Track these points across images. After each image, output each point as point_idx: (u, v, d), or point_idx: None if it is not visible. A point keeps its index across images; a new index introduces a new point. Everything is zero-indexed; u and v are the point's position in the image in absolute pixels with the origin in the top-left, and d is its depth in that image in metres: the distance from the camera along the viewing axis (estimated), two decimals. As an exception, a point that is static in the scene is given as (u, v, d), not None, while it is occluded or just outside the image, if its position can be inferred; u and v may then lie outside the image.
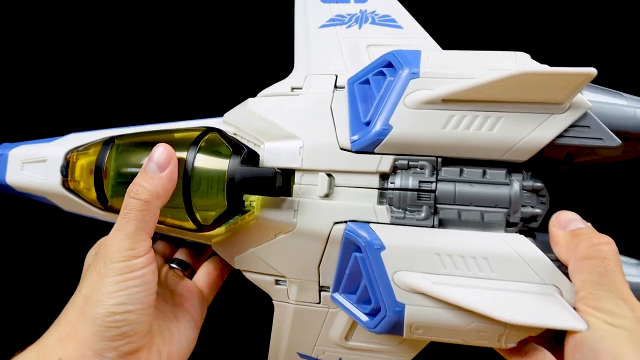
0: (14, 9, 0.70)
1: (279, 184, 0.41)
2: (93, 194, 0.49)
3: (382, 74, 0.42)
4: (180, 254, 0.52)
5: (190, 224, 0.44)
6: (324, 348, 0.47)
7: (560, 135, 0.38)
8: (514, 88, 0.37)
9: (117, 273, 0.38)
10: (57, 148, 0.51)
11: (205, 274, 0.51)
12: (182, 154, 0.43)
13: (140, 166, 0.45)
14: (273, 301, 0.47)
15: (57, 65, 0.69)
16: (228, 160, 0.42)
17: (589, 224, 0.38)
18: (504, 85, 0.37)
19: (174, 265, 0.51)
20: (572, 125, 0.38)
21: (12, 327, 0.67)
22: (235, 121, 0.47)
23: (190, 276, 0.51)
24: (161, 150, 0.41)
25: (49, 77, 0.70)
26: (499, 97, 0.38)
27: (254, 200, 0.45)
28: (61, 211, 0.53)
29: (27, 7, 0.70)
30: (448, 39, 0.48)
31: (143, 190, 0.40)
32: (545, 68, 0.37)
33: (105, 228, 0.52)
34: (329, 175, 0.42)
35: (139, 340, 0.39)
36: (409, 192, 0.41)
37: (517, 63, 0.40)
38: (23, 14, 0.70)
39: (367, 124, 0.41)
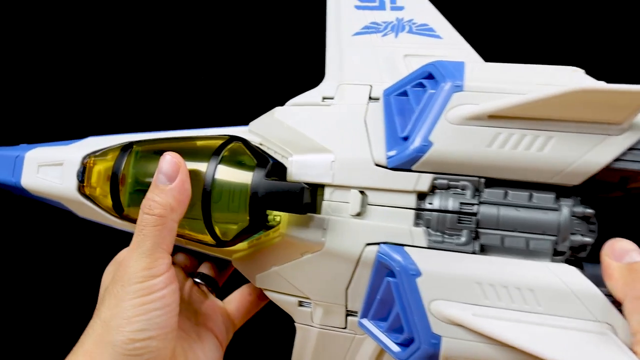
0: (34, 10, 0.68)
1: (306, 200, 0.38)
2: (109, 201, 0.47)
3: (421, 85, 0.40)
4: (204, 268, 0.50)
5: (209, 238, 0.42)
6: (347, 375, 0.44)
7: (617, 159, 0.35)
8: (569, 106, 0.34)
9: (135, 296, 0.36)
10: (74, 152, 0.49)
11: (239, 297, 0.48)
12: (203, 164, 0.41)
13: None
14: (295, 323, 0.44)
15: (77, 66, 0.68)
16: (252, 172, 0.40)
17: None
18: (558, 103, 0.34)
19: (197, 280, 0.48)
20: (630, 148, 0.35)
21: (25, 336, 0.65)
22: (262, 131, 0.44)
23: (215, 292, 0.49)
24: (168, 160, 0.39)
25: (66, 79, 0.68)
26: (550, 115, 0.35)
27: (278, 215, 0.43)
28: (76, 217, 0.51)
29: (46, 9, 0.68)
30: (490, 52, 0.46)
31: (155, 204, 0.37)
32: (605, 85, 0.34)
33: (122, 236, 0.50)
34: (361, 192, 0.39)
35: None
36: (449, 215, 0.38)
37: (570, 79, 0.37)
38: (42, 16, 0.68)
39: (405, 139, 0.38)
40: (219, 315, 0.46)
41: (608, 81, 0.37)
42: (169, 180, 0.38)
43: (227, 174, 0.40)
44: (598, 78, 0.38)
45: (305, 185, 0.38)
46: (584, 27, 0.60)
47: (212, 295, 0.48)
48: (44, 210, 0.53)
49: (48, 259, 0.67)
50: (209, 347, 0.43)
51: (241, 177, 0.40)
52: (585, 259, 0.38)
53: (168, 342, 0.37)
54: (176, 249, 0.49)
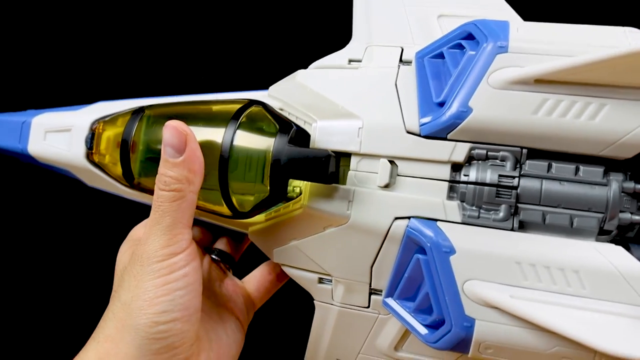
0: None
1: (332, 168, 0.35)
2: (119, 170, 0.44)
3: (460, 47, 0.36)
4: (220, 244, 0.47)
5: (225, 209, 0.39)
6: (368, 356, 0.42)
7: (676, 131, 0.32)
8: (626, 70, 0.31)
9: (156, 275, 0.33)
10: (82, 117, 0.47)
11: (259, 276, 0.46)
12: (220, 130, 0.38)
13: None
14: (315, 301, 0.42)
15: (86, 27, 0.65)
16: (273, 138, 0.37)
17: None
18: (615, 66, 0.31)
19: (215, 257, 0.46)
20: (692, 119, 0.32)
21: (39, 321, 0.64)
22: (283, 95, 0.41)
23: (232, 269, 0.46)
24: (171, 130, 0.35)
25: (74, 40, 0.65)
26: (604, 80, 0.32)
27: (298, 186, 0.40)
28: (85, 187, 0.49)
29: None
30: (533, 14, 0.42)
31: (170, 180, 0.35)
32: (669, 46, 0.30)
33: (134, 208, 0.48)
34: (391, 162, 0.36)
35: (186, 350, 0.34)
36: (486, 188, 0.35)
37: (628, 40, 0.33)
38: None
39: (441, 104, 0.35)
40: (239, 295, 0.44)
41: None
42: (178, 153, 0.35)
43: (246, 140, 0.37)
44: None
45: (332, 153, 0.35)
46: None
47: (230, 273, 0.46)
48: (52, 182, 0.51)
49: (56, 238, 0.65)
50: (231, 329, 0.41)
51: (262, 143, 0.37)
52: (632, 239, 0.35)
53: (192, 324, 0.35)
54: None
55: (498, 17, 0.40)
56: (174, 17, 0.64)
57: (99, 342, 0.34)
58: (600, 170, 0.34)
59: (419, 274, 0.36)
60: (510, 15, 0.42)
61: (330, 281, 0.40)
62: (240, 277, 0.47)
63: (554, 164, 0.35)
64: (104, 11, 0.65)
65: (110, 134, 0.45)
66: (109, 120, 0.46)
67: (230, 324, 0.41)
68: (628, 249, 0.35)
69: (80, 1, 0.65)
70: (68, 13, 0.65)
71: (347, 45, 0.43)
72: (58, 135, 0.47)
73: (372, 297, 0.39)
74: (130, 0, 0.64)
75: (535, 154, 0.35)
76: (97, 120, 0.46)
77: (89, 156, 0.46)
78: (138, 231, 0.44)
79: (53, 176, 0.51)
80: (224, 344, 0.39)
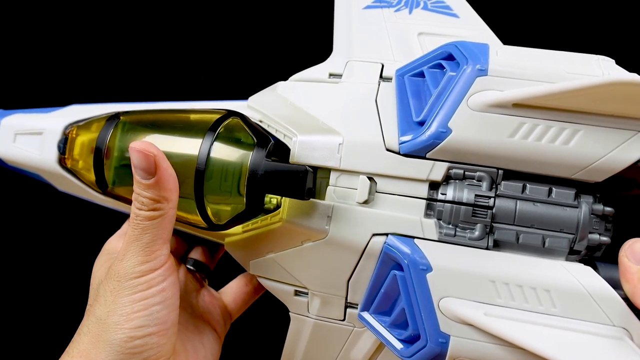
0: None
1: (309, 184, 0.35)
2: (92, 176, 0.43)
3: (440, 67, 0.37)
4: (195, 254, 0.47)
5: (200, 221, 0.39)
6: (342, 369, 0.42)
7: (644, 157, 0.33)
8: (601, 98, 0.32)
9: (134, 291, 0.33)
10: (55, 120, 0.46)
11: (235, 288, 0.46)
12: (197, 141, 0.37)
13: None
14: (290, 313, 0.42)
15: (61, 28, 0.63)
16: (250, 152, 0.36)
17: None
18: (590, 95, 0.32)
19: (190, 268, 0.45)
20: (659, 146, 0.33)
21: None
22: (262, 107, 0.41)
23: (207, 278, 0.46)
24: (137, 155, 0.34)
25: (50, 40, 0.63)
26: (580, 107, 0.33)
27: (275, 198, 0.40)
28: (56, 191, 0.47)
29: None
30: (509, 35, 0.43)
31: (146, 201, 0.34)
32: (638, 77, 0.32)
33: (107, 216, 0.47)
34: (370, 179, 0.36)
35: None
36: (463, 207, 0.35)
37: (601, 69, 0.34)
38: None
39: (421, 123, 0.36)
40: (216, 307, 0.44)
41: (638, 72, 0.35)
42: (149, 175, 0.34)
43: (223, 152, 0.37)
44: (627, 69, 0.36)
45: (309, 168, 0.35)
46: (606, 10, 0.57)
47: (206, 284, 0.45)
48: (21, 186, 0.50)
49: (26, 245, 0.64)
50: (208, 340, 0.41)
51: (239, 156, 0.37)
52: (599, 258, 0.37)
53: (169, 338, 0.34)
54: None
55: (476, 38, 0.41)
56: (155, 23, 0.63)
57: (72, 358, 0.33)
58: (572, 192, 0.35)
59: (395, 290, 0.36)
60: (488, 36, 0.43)
61: (307, 294, 0.40)
62: (216, 287, 0.47)
63: (528, 185, 0.35)
64: (81, 11, 0.63)
65: (85, 139, 0.44)
66: (84, 125, 0.45)
67: (207, 335, 0.41)
68: (595, 267, 0.36)
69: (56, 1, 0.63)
70: (43, 11, 0.63)
71: (328, 59, 0.43)
72: (29, 138, 0.46)
73: (348, 310, 0.40)
74: (107, 3, 0.63)
75: (510, 175, 0.36)
76: (71, 125, 0.45)
77: (62, 161, 0.45)
78: (113, 244, 0.43)
79: (22, 179, 0.49)
80: (200, 356, 0.39)
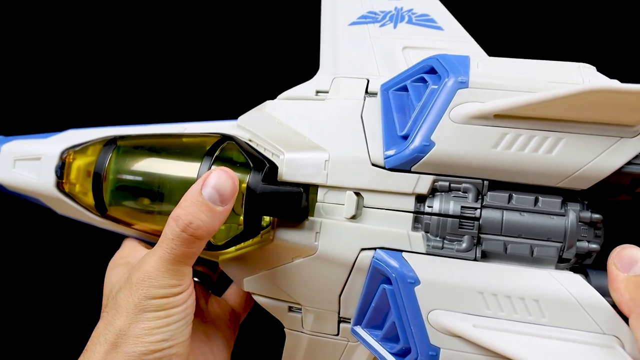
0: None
1: (303, 204, 0.36)
2: (89, 199, 0.44)
3: (423, 80, 0.37)
4: (198, 266, 0.48)
5: None
6: (339, 383, 0.42)
7: (628, 162, 0.33)
8: (582, 106, 0.32)
9: (159, 308, 0.34)
10: (53, 146, 0.47)
11: (237, 288, 0.46)
12: (195, 164, 0.39)
13: (144, 175, 0.41)
14: (285, 329, 0.42)
15: (61, 60, 0.64)
16: (246, 175, 0.37)
17: None
18: (571, 103, 0.32)
19: (196, 280, 0.46)
20: (643, 151, 0.33)
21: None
22: (251, 126, 0.41)
23: (212, 289, 0.47)
24: (226, 179, 0.34)
25: (51, 72, 0.65)
26: (561, 116, 0.33)
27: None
28: (55, 214, 0.48)
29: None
30: (494, 45, 0.43)
31: (200, 225, 0.34)
32: (619, 85, 0.32)
33: (103, 234, 0.47)
34: (357, 194, 0.37)
35: None
36: (450, 219, 0.35)
37: (582, 77, 0.35)
38: (26, 7, 0.65)
39: (405, 138, 0.36)
40: (225, 312, 0.45)
41: (619, 79, 0.35)
42: (222, 203, 0.34)
43: None
44: (609, 76, 0.36)
45: (301, 189, 0.36)
46: (591, 19, 0.57)
47: (213, 294, 0.46)
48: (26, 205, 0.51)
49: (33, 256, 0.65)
50: (218, 348, 0.42)
51: None
52: (590, 265, 0.37)
53: (185, 348, 0.35)
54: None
55: (460, 50, 0.42)
56: (145, 45, 0.64)
57: None
58: (558, 201, 0.35)
59: (385, 304, 0.36)
60: (473, 48, 0.43)
61: (300, 310, 0.41)
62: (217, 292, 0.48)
63: (514, 195, 0.36)
64: (73, 37, 0.65)
65: (81, 163, 0.45)
66: (80, 149, 0.46)
67: (216, 343, 0.42)
68: (587, 274, 0.36)
69: (52, 28, 0.65)
70: (39, 39, 0.65)
71: (315, 77, 0.43)
72: (28, 164, 0.47)
73: (341, 325, 0.40)
74: (94, 29, 0.64)
75: (496, 185, 0.36)
76: (68, 149, 0.46)
77: (59, 185, 0.46)
78: (128, 251, 0.43)
79: (23, 203, 0.50)
80: None
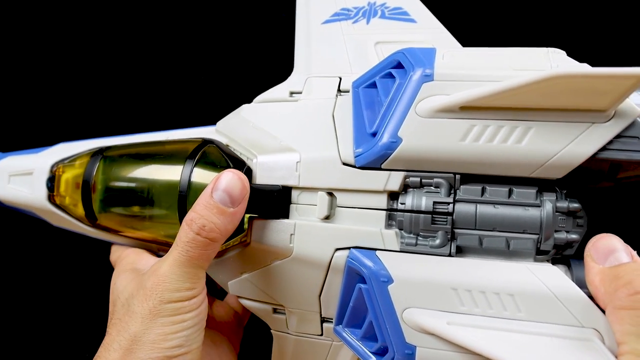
0: (8, 10, 0.66)
1: (284, 203, 0.37)
2: (80, 210, 0.45)
3: (390, 76, 0.37)
4: None
5: None
6: (328, 383, 0.42)
7: (603, 148, 0.32)
8: (548, 93, 0.31)
9: (175, 313, 0.34)
10: (44, 160, 0.48)
11: None
12: (177, 168, 0.40)
13: (131, 181, 0.41)
14: (272, 331, 0.42)
15: (51, 70, 0.66)
16: None
17: (635, 253, 0.31)
18: (536, 90, 0.31)
19: None
20: (617, 136, 0.32)
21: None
22: (228, 131, 0.42)
23: (214, 293, 0.47)
24: (236, 181, 0.35)
25: (43, 82, 0.66)
26: (528, 104, 0.32)
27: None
28: (51, 226, 0.50)
29: (23, 8, 0.66)
30: (468, 35, 0.42)
31: (213, 228, 0.34)
32: (586, 69, 0.31)
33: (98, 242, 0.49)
34: (329, 194, 0.36)
35: None
36: (422, 215, 0.35)
37: (550, 62, 0.34)
38: (17, 16, 0.66)
39: (373, 135, 0.36)
40: (230, 315, 0.46)
41: (591, 63, 0.34)
42: (233, 204, 0.35)
43: (203, 177, 0.39)
44: (581, 60, 0.34)
45: (280, 187, 0.37)
46: (565, 5, 0.55)
47: (217, 299, 0.47)
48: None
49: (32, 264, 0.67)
50: (224, 352, 0.42)
51: None
52: (574, 255, 0.36)
53: (198, 356, 0.36)
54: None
55: (434, 41, 0.41)
56: (131, 55, 0.65)
57: None
58: (532, 191, 0.34)
59: (362, 303, 0.36)
60: (446, 38, 0.42)
61: (284, 311, 0.41)
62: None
63: (487, 188, 0.35)
64: (68, 56, 0.66)
65: (70, 175, 0.46)
66: (68, 162, 0.47)
67: (223, 348, 0.42)
68: (569, 265, 0.35)
69: (44, 45, 0.66)
70: (33, 58, 0.66)
71: (289, 78, 0.43)
72: (21, 179, 0.49)
73: (324, 325, 0.40)
74: (93, 45, 0.66)
75: (468, 178, 0.35)
76: (57, 163, 0.47)
77: (51, 198, 0.47)
78: (133, 258, 0.43)
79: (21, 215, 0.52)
80: None
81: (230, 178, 0.35)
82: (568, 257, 0.35)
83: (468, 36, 0.42)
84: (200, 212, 0.34)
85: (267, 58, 0.60)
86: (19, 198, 0.48)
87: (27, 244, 0.65)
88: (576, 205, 0.34)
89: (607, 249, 0.31)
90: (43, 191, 0.47)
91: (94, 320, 0.48)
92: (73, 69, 0.65)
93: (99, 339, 0.37)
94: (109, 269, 0.46)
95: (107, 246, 0.48)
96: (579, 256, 0.35)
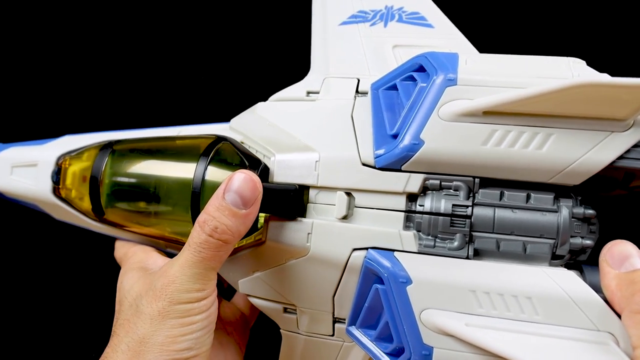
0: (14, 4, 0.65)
1: (299, 202, 0.37)
2: (86, 204, 0.45)
3: (412, 79, 0.37)
4: None
5: None
6: (336, 384, 0.42)
7: (620, 157, 0.33)
8: (571, 101, 0.32)
9: (184, 315, 0.34)
10: (49, 152, 0.47)
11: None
12: (191, 165, 0.39)
13: (141, 177, 0.41)
14: (281, 330, 0.42)
15: (58, 64, 0.65)
16: None
17: None
18: (559, 98, 0.31)
19: None
20: (635, 145, 0.33)
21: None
22: (243, 128, 0.42)
23: (223, 295, 0.47)
24: (247, 181, 0.34)
25: (49, 75, 0.65)
26: (550, 111, 0.33)
27: (260, 217, 0.40)
28: (53, 220, 0.49)
29: (28, 3, 0.65)
30: (485, 42, 0.43)
31: (226, 230, 0.34)
32: (608, 79, 0.31)
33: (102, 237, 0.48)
34: (348, 194, 0.37)
35: None
36: (441, 217, 0.35)
37: (571, 71, 0.34)
38: (23, 11, 0.65)
39: (394, 136, 0.36)
40: (236, 316, 0.45)
41: (610, 73, 0.34)
42: (245, 206, 0.34)
43: (217, 175, 0.39)
44: (599, 70, 0.35)
45: (297, 186, 0.36)
46: (583, 15, 0.57)
47: (224, 299, 0.47)
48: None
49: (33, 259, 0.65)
50: (231, 353, 0.42)
51: None
52: (586, 261, 0.36)
53: (206, 359, 0.35)
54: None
55: (451, 47, 0.42)
56: (141, 50, 0.64)
57: None
58: (550, 197, 0.35)
59: (378, 303, 0.36)
60: (464, 44, 0.43)
61: (295, 311, 0.41)
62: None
63: (506, 192, 0.35)
64: (75, 49, 0.65)
65: (76, 168, 0.45)
66: (75, 155, 0.46)
67: (230, 350, 0.42)
68: (581, 271, 0.36)
69: (50, 39, 0.65)
70: (34, 45, 0.65)
71: (306, 77, 0.43)
72: (25, 170, 0.48)
73: (336, 325, 0.40)
74: (85, 38, 0.65)
75: (487, 182, 0.35)
76: (63, 155, 0.46)
77: (56, 191, 0.46)
78: (141, 257, 0.42)
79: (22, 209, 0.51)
80: None
81: (242, 179, 0.34)
82: (580, 262, 0.36)
83: (484, 43, 0.42)
84: (212, 214, 0.34)
85: (281, 58, 0.60)
86: (22, 190, 0.47)
87: (29, 239, 0.64)
88: (591, 211, 0.35)
89: (622, 255, 0.32)
90: (48, 183, 0.46)
91: (98, 318, 0.47)
92: (79, 58, 0.65)
93: (103, 337, 0.37)
94: (114, 266, 0.45)
95: (112, 242, 0.48)
96: (590, 262, 0.36)
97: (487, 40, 0.43)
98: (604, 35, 0.56)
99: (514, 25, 0.57)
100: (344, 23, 0.46)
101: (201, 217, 0.35)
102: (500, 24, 0.57)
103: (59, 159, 0.46)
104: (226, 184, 0.34)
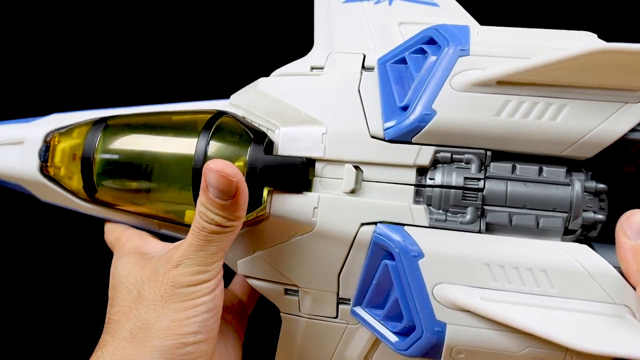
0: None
1: (305, 176, 0.35)
2: (75, 183, 0.43)
3: (422, 52, 0.37)
4: None
5: None
6: (338, 369, 0.41)
7: (633, 129, 0.32)
8: (585, 70, 0.31)
9: (188, 298, 0.33)
10: (36, 129, 0.45)
11: (243, 280, 0.44)
12: (192, 140, 0.38)
13: (136, 155, 0.39)
14: (281, 313, 0.41)
15: (42, 41, 0.63)
16: (246, 148, 0.37)
17: None
18: (575, 66, 0.31)
19: None
20: (647, 118, 0.32)
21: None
22: (245, 103, 0.40)
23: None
24: (215, 174, 0.32)
25: (28, 54, 0.63)
26: (565, 81, 0.32)
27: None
28: (39, 202, 0.46)
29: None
30: (490, 22, 0.42)
31: (218, 219, 0.33)
32: (623, 45, 0.31)
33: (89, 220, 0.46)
34: (356, 167, 0.35)
35: None
36: (452, 191, 0.34)
37: (583, 43, 0.34)
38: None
39: (404, 109, 0.35)
40: (233, 304, 0.44)
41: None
42: (228, 197, 0.33)
43: (220, 150, 0.37)
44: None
45: (304, 159, 0.35)
46: None
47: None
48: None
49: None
50: (231, 342, 0.40)
51: (236, 152, 0.37)
52: (595, 238, 0.36)
53: (213, 345, 0.34)
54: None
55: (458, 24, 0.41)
56: (135, 30, 0.62)
57: None
58: (563, 170, 0.34)
59: (387, 281, 0.35)
60: (468, 23, 0.43)
61: (297, 292, 0.39)
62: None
63: (518, 166, 0.35)
64: (59, 24, 0.63)
65: (66, 145, 0.43)
66: (65, 131, 0.44)
67: (229, 338, 0.40)
68: (592, 248, 0.35)
69: (36, 13, 0.63)
70: (23, 23, 0.63)
71: (309, 53, 0.42)
72: (9, 148, 0.45)
73: (340, 306, 0.38)
74: (77, 14, 0.63)
75: (499, 155, 0.35)
76: (52, 132, 0.44)
77: (43, 169, 0.44)
78: (136, 242, 0.41)
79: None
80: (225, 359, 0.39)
81: (211, 174, 0.32)
82: (590, 239, 0.36)
83: (489, 23, 0.42)
84: (205, 206, 0.34)
85: (282, 35, 0.59)
86: (6, 169, 0.45)
87: (13, 224, 0.61)
88: (602, 186, 0.35)
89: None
90: (35, 161, 0.44)
91: (88, 306, 0.45)
92: (65, 36, 0.62)
93: (94, 325, 0.34)
94: (105, 251, 0.43)
95: (101, 226, 0.45)
96: (600, 239, 0.36)
97: (492, 19, 0.43)
98: (613, 14, 0.56)
99: (520, 5, 0.57)
100: (348, 1, 0.45)
101: (197, 207, 0.34)
102: (506, 3, 0.57)
103: (47, 135, 0.44)
104: (204, 181, 0.33)
